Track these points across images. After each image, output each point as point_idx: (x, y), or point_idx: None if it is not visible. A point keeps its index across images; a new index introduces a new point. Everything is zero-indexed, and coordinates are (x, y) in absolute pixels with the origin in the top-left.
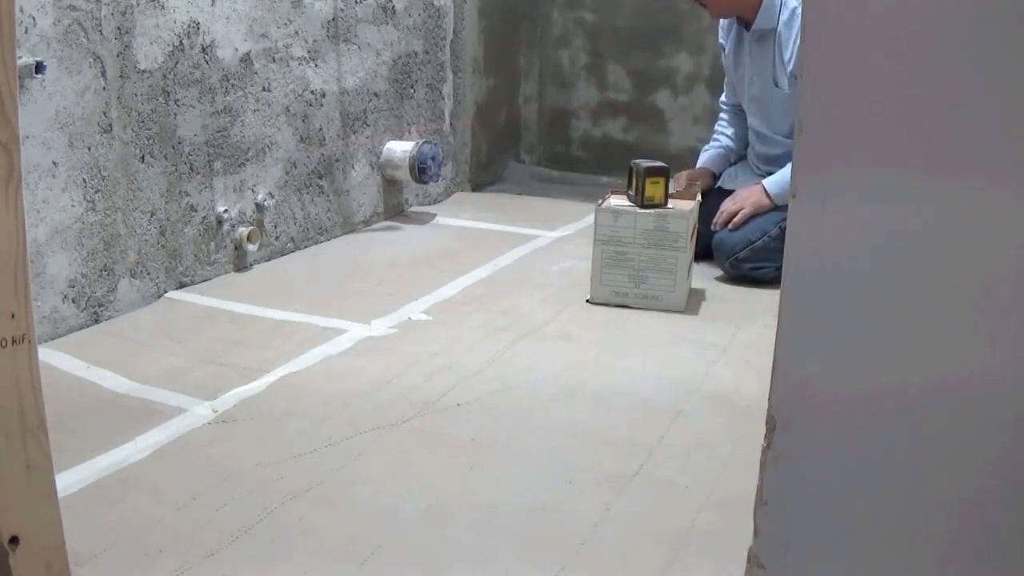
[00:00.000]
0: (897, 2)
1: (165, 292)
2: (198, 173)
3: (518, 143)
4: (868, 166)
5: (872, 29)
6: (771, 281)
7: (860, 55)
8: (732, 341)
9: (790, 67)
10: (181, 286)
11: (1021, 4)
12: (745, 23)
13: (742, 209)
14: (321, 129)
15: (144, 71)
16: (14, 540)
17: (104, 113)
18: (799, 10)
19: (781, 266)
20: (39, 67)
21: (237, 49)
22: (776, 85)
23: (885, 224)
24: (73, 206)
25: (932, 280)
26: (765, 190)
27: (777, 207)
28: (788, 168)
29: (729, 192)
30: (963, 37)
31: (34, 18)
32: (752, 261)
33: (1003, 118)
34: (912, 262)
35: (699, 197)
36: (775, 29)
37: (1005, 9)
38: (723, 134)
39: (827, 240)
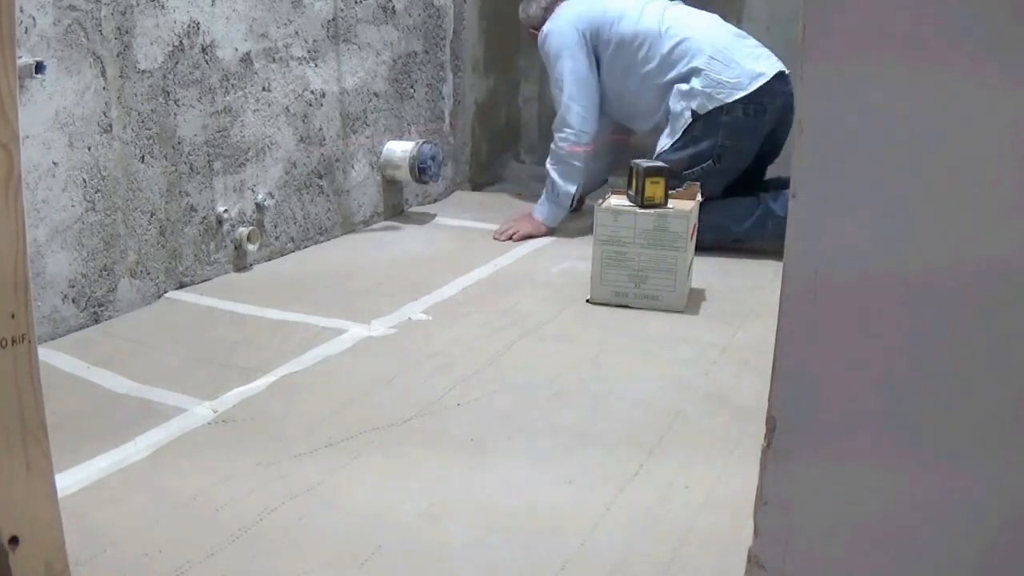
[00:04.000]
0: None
1: (165, 292)
2: (198, 173)
3: (518, 143)
4: (867, 168)
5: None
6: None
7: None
8: (732, 341)
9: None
10: (181, 286)
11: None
12: None
13: (518, 231)
14: (321, 129)
15: (144, 71)
16: (14, 540)
17: (104, 113)
18: None
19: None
20: (39, 67)
21: (237, 49)
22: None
23: (886, 224)
24: (73, 206)
25: (933, 285)
26: (533, 215)
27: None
28: (544, 197)
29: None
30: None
31: (34, 18)
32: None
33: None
34: (913, 263)
35: (699, 197)
36: None
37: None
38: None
39: (827, 239)
